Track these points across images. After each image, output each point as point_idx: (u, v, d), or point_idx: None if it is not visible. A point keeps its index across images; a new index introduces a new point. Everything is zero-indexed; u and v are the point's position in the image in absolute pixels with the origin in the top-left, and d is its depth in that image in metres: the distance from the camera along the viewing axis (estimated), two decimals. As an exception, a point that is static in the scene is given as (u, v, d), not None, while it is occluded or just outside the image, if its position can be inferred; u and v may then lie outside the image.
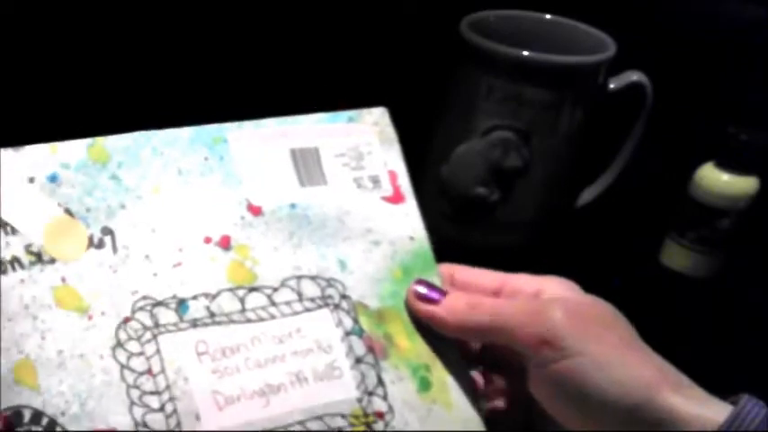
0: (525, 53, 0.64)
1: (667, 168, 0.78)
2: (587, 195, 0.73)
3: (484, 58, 0.65)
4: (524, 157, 0.67)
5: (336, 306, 0.39)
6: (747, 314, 0.69)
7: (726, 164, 0.69)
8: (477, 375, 0.42)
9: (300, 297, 0.38)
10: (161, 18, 0.73)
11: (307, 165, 0.41)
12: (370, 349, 0.39)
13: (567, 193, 0.73)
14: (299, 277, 0.39)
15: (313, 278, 0.39)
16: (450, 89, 0.68)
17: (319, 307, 0.39)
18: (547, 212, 0.69)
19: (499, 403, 0.42)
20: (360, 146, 0.42)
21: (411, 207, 0.42)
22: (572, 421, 0.36)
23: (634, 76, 0.69)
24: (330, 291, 0.39)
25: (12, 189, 0.36)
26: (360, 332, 0.39)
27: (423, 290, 0.39)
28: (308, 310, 0.38)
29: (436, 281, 0.41)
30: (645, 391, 0.34)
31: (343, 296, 0.39)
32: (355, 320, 0.39)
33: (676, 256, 0.72)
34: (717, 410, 0.34)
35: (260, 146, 0.40)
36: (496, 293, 0.40)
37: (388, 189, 0.42)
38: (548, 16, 0.72)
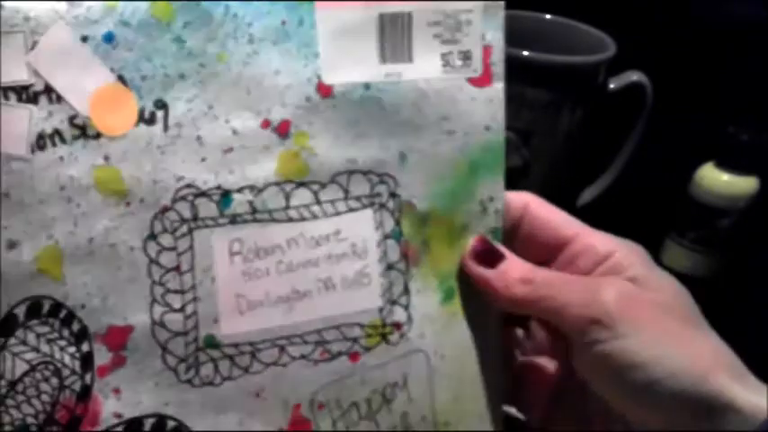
0: (525, 53, 0.64)
1: (667, 168, 0.78)
2: (587, 195, 0.74)
3: (484, 58, 0.65)
4: (524, 156, 0.67)
5: (382, 205, 0.37)
6: (747, 314, 0.69)
7: (726, 164, 0.69)
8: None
9: (347, 195, 0.37)
10: None
11: (393, 35, 0.36)
12: (404, 255, 0.37)
13: (567, 193, 0.73)
14: (352, 172, 0.37)
15: (365, 173, 0.37)
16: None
17: (363, 207, 0.37)
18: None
19: (540, 361, 0.41)
20: (460, 14, 0.37)
21: (497, 91, 0.38)
22: (617, 400, 0.35)
23: (634, 76, 0.69)
24: (380, 188, 0.37)
25: (62, 49, 0.33)
26: (398, 236, 0.37)
27: (481, 246, 0.38)
28: (351, 209, 0.37)
29: (500, 181, 0.38)
30: (695, 375, 0.33)
31: (393, 194, 0.37)
32: (397, 222, 0.37)
33: (676, 256, 0.72)
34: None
35: (346, 8, 0.36)
36: (567, 243, 0.38)
37: (477, 68, 0.37)
38: (548, 16, 0.72)
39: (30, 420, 0.34)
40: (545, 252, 0.39)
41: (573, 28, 0.71)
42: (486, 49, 0.38)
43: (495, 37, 0.38)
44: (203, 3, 0.34)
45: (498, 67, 0.38)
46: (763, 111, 0.75)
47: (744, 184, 0.69)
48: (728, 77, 0.84)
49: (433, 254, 0.38)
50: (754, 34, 0.85)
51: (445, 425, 0.38)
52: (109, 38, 0.34)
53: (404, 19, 0.36)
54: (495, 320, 0.39)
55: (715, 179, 0.69)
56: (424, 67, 0.37)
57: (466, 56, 0.37)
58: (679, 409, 0.33)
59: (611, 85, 0.69)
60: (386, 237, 0.37)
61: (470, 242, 0.38)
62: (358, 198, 0.37)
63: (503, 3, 0.38)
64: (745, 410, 0.33)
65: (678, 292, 0.37)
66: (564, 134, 0.67)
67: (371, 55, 0.36)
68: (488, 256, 0.37)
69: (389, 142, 0.37)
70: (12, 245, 0.33)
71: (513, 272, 0.37)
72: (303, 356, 0.36)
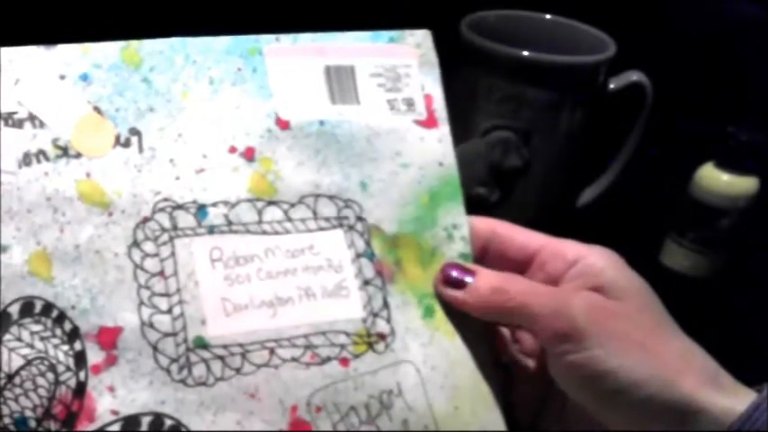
0: (525, 53, 0.64)
1: (667, 168, 0.78)
2: (587, 195, 0.73)
3: (484, 58, 0.65)
4: (524, 157, 0.67)
5: (350, 227, 0.39)
6: (747, 314, 0.69)
7: (726, 164, 0.69)
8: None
9: (315, 215, 0.39)
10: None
11: (340, 83, 0.40)
12: (379, 273, 0.39)
13: (567, 193, 0.73)
14: (318, 196, 0.39)
15: (331, 198, 0.39)
16: (449, 89, 0.68)
17: (333, 227, 0.39)
18: (547, 212, 0.69)
19: (527, 362, 0.41)
20: (398, 67, 0.41)
21: (444, 133, 0.41)
22: (589, 406, 0.36)
23: (634, 76, 0.69)
24: (346, 212, 0.39)
25: (42, 84, 0.37)
26: (371, 255, 0.39)
27: (453, 273, 0.38)
28: (321, 228, 0.38)
29: (461, 210, 0.40)
30: (662, 381, 0.34)
31: (359, 218, 0.39)
32: (368, 243, 0.39)
33: (676, 256, 0.72)
34: (739, 400, 0.33)
35: (295, 61, 0.40)
36: (536, 254, 0.39)
37: (422, 113, 0.41)
38: (548, 16, 0.72)
39: (28, 414, 0.34)
40: (516, 267, 0.40)
41: (573, 28, 0.71)
42: (428, 98, 0.41)
43: (434, 87, 0.41)
44: (166, 51, 0.38)
45: (441, 113, 0.41)
46: (763, 111, 0.75)
47: (744, 184, 0.69)
48: (728, 77, 0.84)
49: (407, 274, 0.39)
50: (754, 34, 0.85)
51: None
52: (84, 77, 0.37)
53: (347, 70, 0.40)
54: (480, 329, 0.39)
55: (715, 179, 0.69)
56: (372, 109, 0.40)
57: (409, 102, 0.41)
58: (649, 413, 0.34)
59: (611, 85, 0.69)
60: (359, 255, 0.39)
61: (442, 269, 0.39)
62: (327, 219, 0.39)
63: (436, 59, 0.41)
64: (716, 414, 0.33)
65: (646, 296, 0.37)
66: (564, 134, 0.67)
67: (323, 97, 0.40)
68: (459, 278, 0.38)
69: (349, 171, 0.39)
70: (3, 249, 0.35)
71: (485, 284, 0.37)
72: (294, 359, 0.37)
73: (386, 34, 0.41)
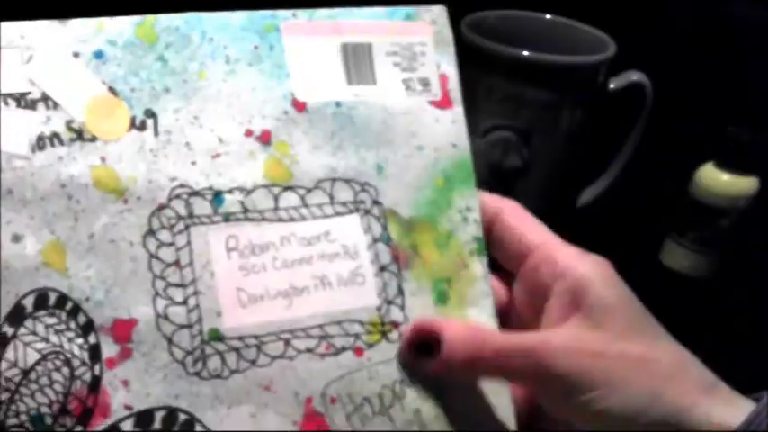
0: (525, 53, 0.64)
1: (667, 168, 0.78)
2: (587, 195, 0.74)
3: (484, 58, 0.65)
4: (524, 157, 0.67)
5: (367, 212, 0.39)
6: (747, 314, 0.69)
7: (726, 164, 0.69)
8: None
9: (332, 200, 0.38)
10: None
11: (357, 62, 0.40)
12: (395, 258, 0.39)
13: (567, 193, 0.73)
14: (334, 180, 0.38)
15: (347, 181, 0.39)
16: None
17: (350, 212, 0.38)
18: (547, 212, 0.69)
19: None
20: (414, 45, 0.41)
21: (458, 114, 0.41)
22: (582, 425, 0.36)
23: (634, 76, 0.69)
24: (363, 195, 0.39)
25: (56, 62, 0.36)
26: (387, 240, 0.39)
27: (414, 336, 0.37)
28: (338, 214, 0.38)
29: (474, 193, 0.40)
30: (658, 398, 0.34)
31: (375, 202, 0.39)
32: (384, 228, 0.39)
33: (676, 256, 0.72)
34: (736, 410, 0.33)
35: (311, 38, 0.39)
36: (531, 252, 0.38)
37: (437, 93, 0.41)
38: (548, 16, 0.72)
39: (44, 410, 0.34)
40: (512, 259, 0.39)
41: (573, 28, 0.71)
42: (443, 78, 0.41)
43: (449, 68, 0.41)
44: (182, 28, 0.38)
45: (456, 93, 0.41)
46: (763, 111, 0.75)
47: (744, 184, 0.69)
48: (728, 77, 0.84)
49: (423, 258, 0.39)
50: (754, 34, 0.85)
51: None
52: (99, 55, 0.36)
53: (364, 48, 0.40)
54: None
55: (715, 179, 0.70)
56: (388, 89, 0.40)
57: (425, 82, 0.41)
58: (647, 429, 0.34)
59: (611, 85, 0.69)
60: (375, 240, 0.38)
61: (404, 335, 0.37)
62: (343, 203, 0.38)
63: (452, 37, 0.41)
64: (712, 425, 0.33)
65: (634, 312, 0.36)
66: (564, 134, 0.67)
67: (339, 77, 0.39)
68: (425, 344, 0.37)
69: (365, 154, 0.39)
70: (16, 238, 0.34)
71: (456, 356, 0.35)
72: (309, 350, 0.37)
73: (402, 11, 0.41)
